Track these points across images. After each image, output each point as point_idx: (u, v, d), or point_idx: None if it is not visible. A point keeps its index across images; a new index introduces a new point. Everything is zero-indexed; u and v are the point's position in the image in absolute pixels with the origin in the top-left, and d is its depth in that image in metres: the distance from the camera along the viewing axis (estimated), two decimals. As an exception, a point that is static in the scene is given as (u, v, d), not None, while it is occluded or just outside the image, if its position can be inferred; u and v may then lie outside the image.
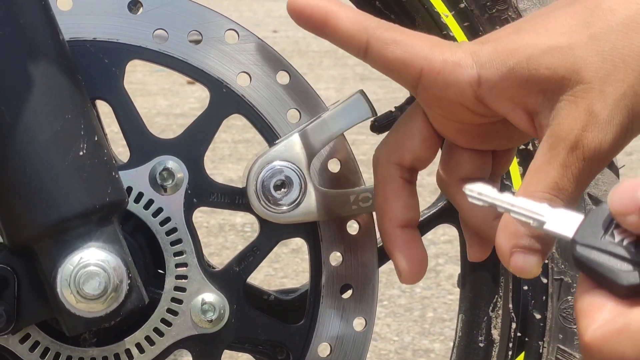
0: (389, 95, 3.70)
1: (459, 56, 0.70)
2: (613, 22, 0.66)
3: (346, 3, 0.85)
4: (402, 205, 0.77)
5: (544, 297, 0.92)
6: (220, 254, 2.23)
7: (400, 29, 0.73)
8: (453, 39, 0.90)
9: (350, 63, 4.31)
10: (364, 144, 2.89)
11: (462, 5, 0.89)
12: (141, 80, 3.81)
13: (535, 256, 0.67)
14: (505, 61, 0.69)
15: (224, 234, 2.34)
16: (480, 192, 0.64)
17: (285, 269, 2.14)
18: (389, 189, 0.77)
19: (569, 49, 0.67)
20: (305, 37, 4.94)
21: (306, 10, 0.74)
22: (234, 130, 3.11)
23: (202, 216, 2.40)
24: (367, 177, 0.81)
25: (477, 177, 0.77)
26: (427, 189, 2.63)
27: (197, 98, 3.60)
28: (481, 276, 0.96)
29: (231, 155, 2.91)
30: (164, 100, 3.62)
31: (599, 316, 0.57)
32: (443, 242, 2.27)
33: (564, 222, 0.61)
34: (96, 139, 0.73)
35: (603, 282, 0.58)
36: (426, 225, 0.96)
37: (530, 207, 0.62)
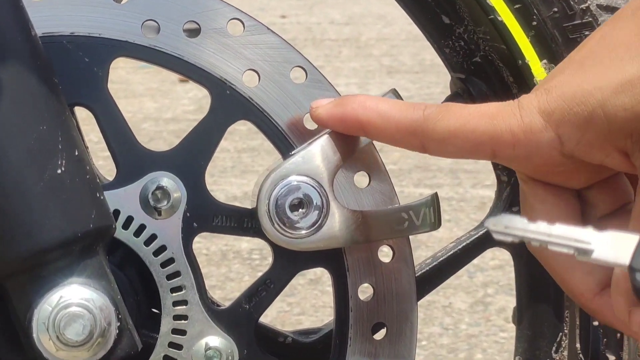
0: (423, 90, 3.71)
1: (527, 121, 0.72)
2: None
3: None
4: (583, 275, 0.77)
5: (619, 335, 0.92)
6: (224, 287, 2.24)
7: (450, 112, 0.75)
8: (501, 24, 0.91)
9: (375, 53, 4.33)
10: (395, 151, 2.90)
11: (512, -16, 0.89)
12: (124, 79, 3.84)
13: None
14: (579, 113, 0.70)
15: (227, 262, 2.35)
16: (506, 225, 0.63)
17: (302, 304, 2.15)
18: (561, 270, 0.78)
19: None
20: (320, 22, 4.96)
21: (336, 124, 0.79)
22: (237, 137, 3.13)
23: (201, 241, 2.41)
24: (398, 190, 0.81)
25: (571, 220, 0.78)
26: (472, 203, 2.63)
27: (191, 99, 3.62)
28: (541, 310, 0.96)
29: (234, 167, 2.92)
30: (152, 102, 3.64)
31: None
32: (492, 268, 2.27)
33: (616, 247, 0.60)
34: (77, 153, 0.74)
35: None
36: (472, 250, 0.96)
37: (571, 235, 0.62)
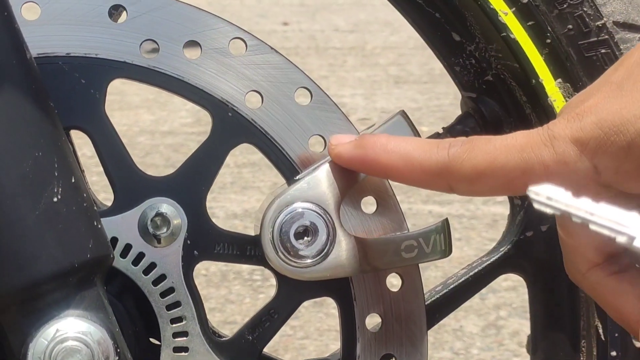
0: (432, 102, 3.72)
1: (560, 151, 0.72)
2: None
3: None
4: (636, 301, 0.77)
5: (638, 365, 0.92)
6: (224, 309, 2.24)
7: (476, 149, 0.75)
8: (514, 41, 0.91)
9: (382, 62, 4.34)
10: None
11: (525, 0, 0.90)
12: (119, 90, 3.85)
13: None
14: (617, 141, 0.70)
15: (227, 283, 2.36)
16: (549, 195, 0.63)
17: (306, 328, 2.15)
18: (610, 297, 0.77)
19: None
20: (324, 30, 4.97)
21: (357, 166, 0.80)
22: (237, 152, 3.13)
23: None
24: (406, 207, 0.82)
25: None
26: (483, 221, 2.64)
27: (189, 111, 3.62)
28: (557, 339, 0.96)
29: (234, 184, 2.93)
30: (149, 115, 3.65)
31: None
32: (505, 290, 2.27)
33: None
34: (73, 180, 0.74)
35: None
36: (484, 277, 0.97)
37: (615, 217, 0.62)
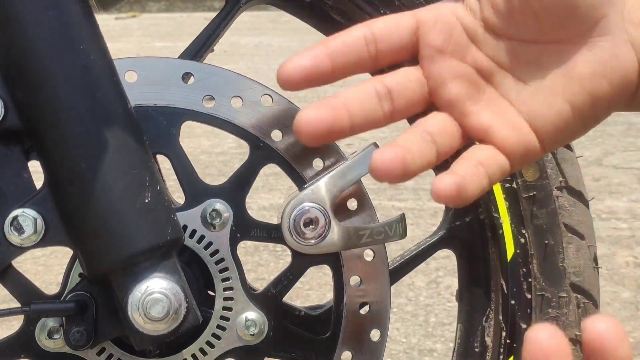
0: (395, 133, 3.71)
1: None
2: None
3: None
4: None
5: (528, 310, 0.92)
6: (256, 270, 2.24)
7: None
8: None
9: (361, 106, 4.33)
10: (374, 175, 2.89)
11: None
12: (188, 124, 3.84)
13: None
14: None
15: (258, 253, 2.36)
16: None
17: (310, 282, 2.15)
18: None
19: None
20: (326, 91, 4.95)
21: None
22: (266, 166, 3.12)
23: (241, 238, 2.41)
24: (376, 203, 0.81)
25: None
26: (428, 212, 2.63)
27: (234, 139, 3.61)
28: (476, 292, 0.97)
29: (264, 187, 2.93)
30: (207, 141, 3.65)
31: None
32: (442, 258, 2.27)
33: None
34: (158, 188, 0.75)
35: None
36: (428, 251, 0.97)
37: None
